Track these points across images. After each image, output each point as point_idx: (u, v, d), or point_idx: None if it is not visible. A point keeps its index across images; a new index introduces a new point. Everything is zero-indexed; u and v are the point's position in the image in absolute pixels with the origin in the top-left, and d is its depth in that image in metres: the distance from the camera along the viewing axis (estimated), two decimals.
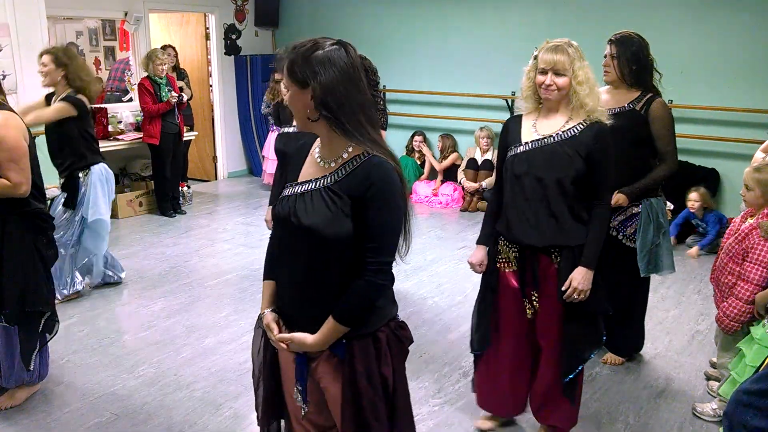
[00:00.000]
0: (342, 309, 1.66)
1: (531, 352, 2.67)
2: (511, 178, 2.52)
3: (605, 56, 3.19)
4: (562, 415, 2.68)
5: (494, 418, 2.91)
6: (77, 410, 3.04)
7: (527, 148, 2.48)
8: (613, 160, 2.46)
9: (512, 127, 2.59)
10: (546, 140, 2.45)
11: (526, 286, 2.55)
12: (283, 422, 1.99)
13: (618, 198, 3.10)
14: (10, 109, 2.85)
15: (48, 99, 4.11)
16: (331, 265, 1.66)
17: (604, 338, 2.58)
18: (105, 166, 4.24)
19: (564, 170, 2.40)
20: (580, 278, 2.42)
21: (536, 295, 2.54)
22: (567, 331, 2.50)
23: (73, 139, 4.02)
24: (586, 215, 2.46)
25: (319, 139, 1.75)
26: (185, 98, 6.22)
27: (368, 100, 1.66)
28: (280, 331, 1.77)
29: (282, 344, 1.75)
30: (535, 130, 2.50)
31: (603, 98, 3.18)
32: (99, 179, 4.15)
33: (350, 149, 1.65)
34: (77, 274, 4.27)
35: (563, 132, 2.43)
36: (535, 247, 2.48)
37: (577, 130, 2.42)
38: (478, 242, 2.68)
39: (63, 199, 4.10)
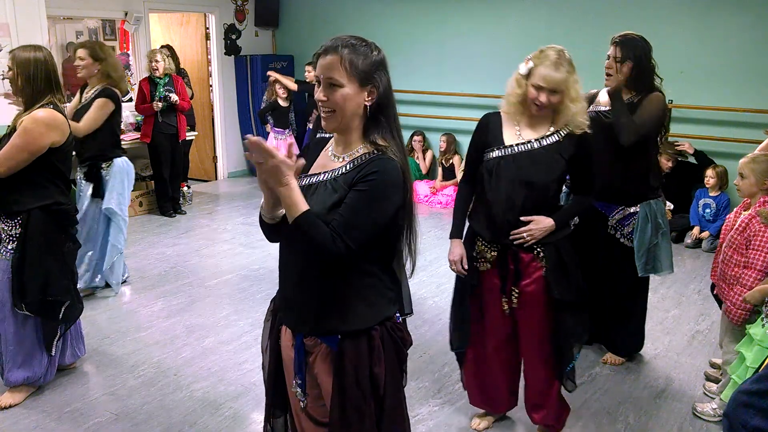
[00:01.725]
0: (308, 215, 1.57)
1: (516, 348, 2.70)
2: (493, 180, 2.50)
3: (608, 57, 3.17)
4: (554, 414, 2.71)
5: (487, 416, 2.92)
6: (77, 410, 3.04)
7: (514, 151, 2.48)
8: (594, 159, 2.57)
9: (493, 125, 2.56)
10: (531, 144, 2.47)
11: (507, 283, 2.57)
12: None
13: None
14: (60, 111, 2.97)
15: (82, 93, 4.26)
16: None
17: (586, 338, 2.62)
18: (126, 159, 4.34)
19: (550, 173, 2.46)
20: (541, 223, 2.44)
21: (516, 291, 2.55)
22: (556, 330, 2.54)
23: (101, 132, 4.14)
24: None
25: (335, 136, 1.77)
26: (173, 99, 6.11)
27: (395, 103, 1.74)
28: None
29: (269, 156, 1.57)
30: (519, 133, 2.50)
31: (603, 99, 3.20)
32: (120, 172, 4.25)
33: (363, 147, 1.69)
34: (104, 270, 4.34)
35: (548, 137, 2.48)
36: (515, 245, 2.50)
37: (561, 135, 2.48)
38: (452, 236, 2.65)
39: (90, 191, 4.19)
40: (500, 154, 2.50)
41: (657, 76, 3.18)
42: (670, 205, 5.79)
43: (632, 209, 3.23)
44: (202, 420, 2.98)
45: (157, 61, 6.06)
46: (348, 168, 1.67)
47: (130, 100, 7.10)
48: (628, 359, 3.53)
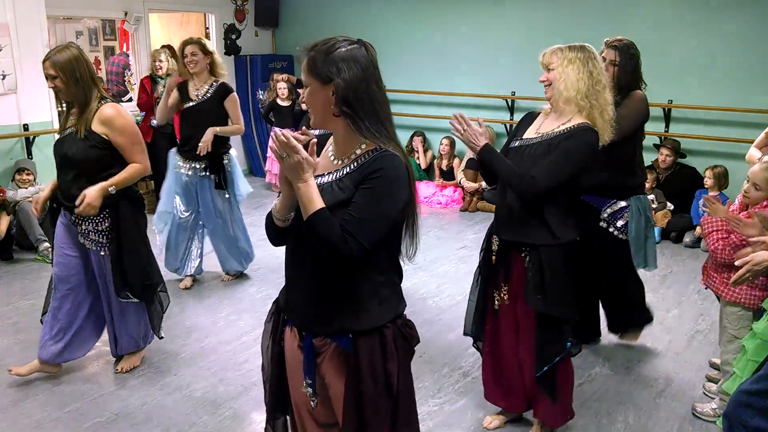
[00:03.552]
0: (324, 214, 1.59)
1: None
2: None
3: (603, 59, 3.19)
4: (546, 411, 2.71)
5: (500, 415, 2.92)
6: (77, 410, 3.04)
7: (520, 143, 2.58)
8: (573, 159, 2.43)
9: (524, 122, 2.70)
10: (535, 140, 2.53)
11: (499, 278, 2.63)
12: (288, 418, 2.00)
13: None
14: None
15: (181, 89, 4.29)
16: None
17: (569, 344, 2.57)
18: (233, 149, 4.55)
19: (535, 171, 2.44)
20: (473, 132, 2.46)
21: (506, 288, 2.60)
22: (536, 333, 2.55)
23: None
24: (557, 220, 2.49)
25: (332, 137, 1.77)
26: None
27: (386, 97, 1.70)
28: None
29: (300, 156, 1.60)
30: (537, 128, 2.57)
31: None
32: (234, 161, 4.49)
33: (363, 146, 1.68)
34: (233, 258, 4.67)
35: (552, 132, 2.50)
36: (507, 241, 2.55)
37: (565, 131, 2.47)
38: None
39: (214, 183, 4.38)
40: (511, 145, 2.61)
41: (643, 82, 3.26)
42: (670, 206, 5.79)
43: (622, 203, 3.26)
44: (201, 420, 2.98)
45: (161, 60, 6.07)
46: (352, 168, 1.67)
47: (130, 100, 7.11)
48: (639, 329, 3.60)
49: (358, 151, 1.68)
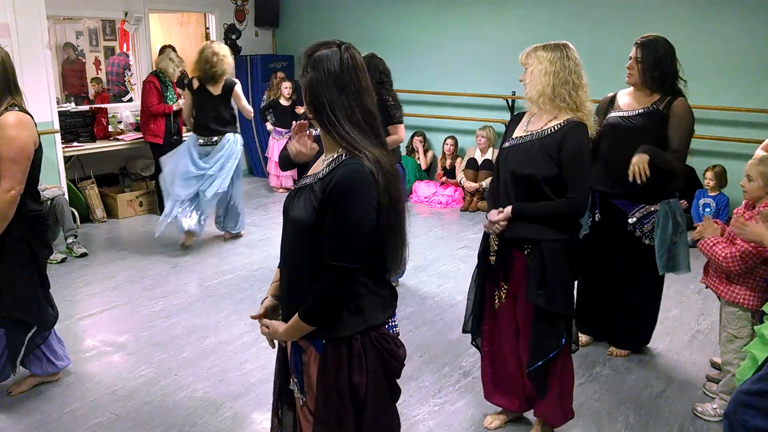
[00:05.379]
0: (304, 307, 1.69)
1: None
2: (495, 171, 2.66)
3: (630, 58, 3.22)
4: (547, 409, 2.71)
5: (500, 415, 2.92)
6: (77, 410, 3.04)
7: (512, 143, 2.60)
8: (584, 160, 2.48)
9: (512, 123, 2.72)
10: (527, 137, 2.55)
11: (498, 278, 2.63)
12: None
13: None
14: (25, 111, 2.81)
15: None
16: (308, 259, 1.69)
17: (564, 340, 2.56)
18: (185, 141, 5.35)
19: (532, 169, 2.48)
20: (503, 213, 2.51)
21: (505, 287, 2.61)
22: (533, 327, 2.57)
23: None
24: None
25: None
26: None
27: (358, 102, 1.66)
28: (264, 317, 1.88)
29: (263, 327, 1.85)
30: (526, 127, 2.60)
31: (625, 101, 3.22)
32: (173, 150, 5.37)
33: (340, 149, 1.69)
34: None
35: (542, 131, 2.52)
36: (508, 239, 2.56)
37: (554, 129, 2.49)
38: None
39: None
40: (504, 146, 2.63)
41: (681, 79, 3.20)
42: (683, 202, 5.79)
43: (652, 207, 3.26)
44: (202, 420, 2.98)
45: (177, 65, 6.03)
46: (324, 172, 1.68)
47: (130, 100, 7.11)
48: (633, 352, 3.57)
49: (335, 154, 1.69)
